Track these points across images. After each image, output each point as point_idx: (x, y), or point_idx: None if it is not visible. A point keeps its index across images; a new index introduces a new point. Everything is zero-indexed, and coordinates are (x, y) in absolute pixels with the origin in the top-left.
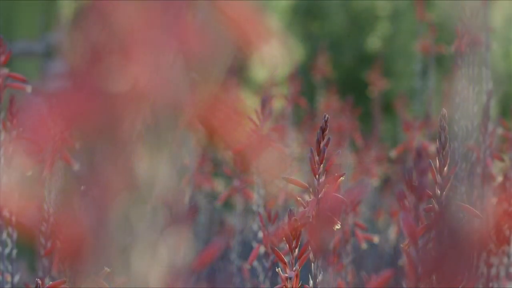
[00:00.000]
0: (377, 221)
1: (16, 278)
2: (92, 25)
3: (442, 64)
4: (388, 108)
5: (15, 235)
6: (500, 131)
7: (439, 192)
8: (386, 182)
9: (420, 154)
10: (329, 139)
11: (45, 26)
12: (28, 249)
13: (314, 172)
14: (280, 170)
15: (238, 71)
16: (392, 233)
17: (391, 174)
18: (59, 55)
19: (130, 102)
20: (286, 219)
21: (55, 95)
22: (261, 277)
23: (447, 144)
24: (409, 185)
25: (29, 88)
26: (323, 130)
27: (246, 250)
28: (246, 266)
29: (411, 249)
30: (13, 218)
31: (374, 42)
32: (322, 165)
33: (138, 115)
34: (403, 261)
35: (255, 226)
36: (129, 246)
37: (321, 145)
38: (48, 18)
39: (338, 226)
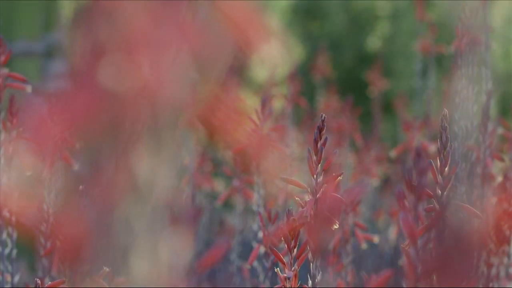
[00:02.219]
0: (377, 221)
1: (16, 278)
2: (93, 25)
3: (442, 64)
4: (388, 108)
5: (15, 235)
6: (500, 131)
7: (440, 192)
8: (386, 182)
9: (420, 154)
10: (326, 138)
11: (45, 26)
12: (28, 249)
13: (311, 172)
14: (280, 170)
15: (238, 71)
16: (392, 233)
17: (391, 174)
18: (59, 55)
19: (131, 102)
20: (284, 219)
21: (55, 95)
22: (261, 277)
23: (448, 144)
24: (409, 185)
25: (29, 88)
26: (320, 129)
27: (246, 250)
28: (246, 266)
29: (411, 249)
30: (13, 218)
31: (374, 42)
32: (320, 164)
33: (138, 115)
34: (403, 261)
35: (255, 226)
36: (129, 246)
37: (319, 144)
38: (48, 18)
39: (336, 226)
